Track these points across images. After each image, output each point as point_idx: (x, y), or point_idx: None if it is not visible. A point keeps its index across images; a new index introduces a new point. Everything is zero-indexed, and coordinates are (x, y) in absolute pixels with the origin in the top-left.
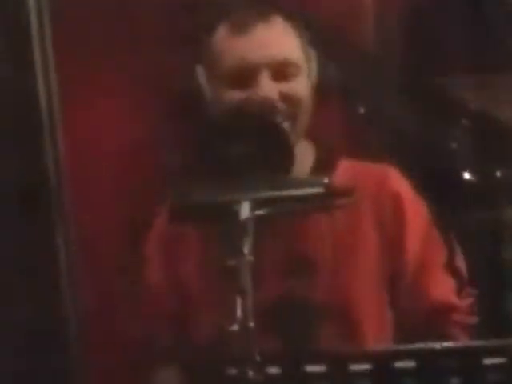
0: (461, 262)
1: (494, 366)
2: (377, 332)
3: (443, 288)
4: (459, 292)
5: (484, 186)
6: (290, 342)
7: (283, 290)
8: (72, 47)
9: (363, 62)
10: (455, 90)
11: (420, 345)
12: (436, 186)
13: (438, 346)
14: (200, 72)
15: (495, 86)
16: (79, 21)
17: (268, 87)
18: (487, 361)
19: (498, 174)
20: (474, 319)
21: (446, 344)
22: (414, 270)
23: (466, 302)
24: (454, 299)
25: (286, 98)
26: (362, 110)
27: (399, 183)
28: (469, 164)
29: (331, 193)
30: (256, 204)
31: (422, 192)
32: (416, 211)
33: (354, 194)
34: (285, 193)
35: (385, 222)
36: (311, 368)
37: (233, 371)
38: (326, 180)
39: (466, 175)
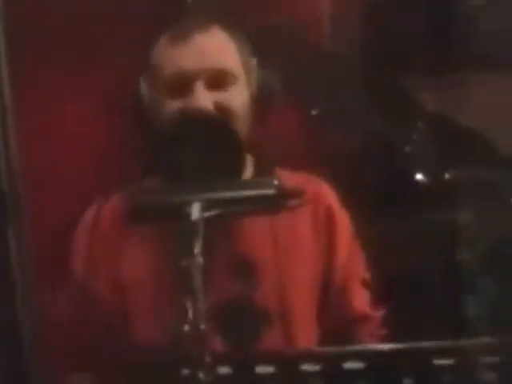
0: (369, 275)
1: (445, 367)
2: (306, 339)
3: (361, 299)
4: (372, 303)
5: (440, 188)
6: (238, 345)
7: (231, 294)
8: (26, 49)
9: (320, 64)
10: (413, 91)
11: (370, 346)
12: (392, 187)
13: (387, 347)
14: (142, 83)
15: (453, 88)
16: (33, 23)
17: (202, 97)
18: (438, 361)
19: (454, 175)
20: (384, 331)
21: (395, 345)
22: (341, 280)
23: (378, 314)
24: (369, 310)
25: (220, 107)
26: (315, 113)
27: (331, 196)
28: (425, 166)
29: (281, 194)
30: (207, 205)
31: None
32: (345, 225)
33: (303, 196)
34: (236, 194)
35: (319, 232)
36: (261, 369)
37: (184, 372)
38: (276, 181)
39: (423, 177)
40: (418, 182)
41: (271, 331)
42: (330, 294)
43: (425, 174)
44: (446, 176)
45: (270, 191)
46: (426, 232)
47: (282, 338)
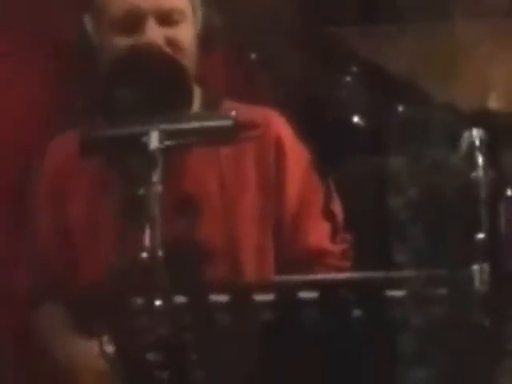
0: (337, 208)
1: (395, 298)
2: (259, 272)
3: (318, 233)
4: (333, 237)
5: (371, 133)
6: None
7: (170, 230)
8: None
9: (256, 10)
10: (344, 38)
11: (323, 275)
12: (326, 131)
13: (341, 276)
14: (87, 21)
15: (380, 36)
16: None
17: (154, 32)
18: (389, 293)
19: (385, 120)
20: (347, 264)
21: (349, 275)
22: (293, 214)
23: (339, 247)
24: (327, 245)
25: (171, 42)
26: (253, 57)
27: (281, 128)
28: (357, 111)
29: (239, 125)
30: (165, 135)
31: (306, 137)
32: (297, 156)
33: (259, 127)
34: (194, 125)
35: (266, 165)
36: (216, 298)
37: (139, 301)
38: (233, 113)
39: (354, 122)
40: (351, 127)
41: (215, 268)
42: (283, 231)
43: (358, 119)
44: (378, 121)
45: (228, 122)
46: (359, 176)
47: (228, 275)
